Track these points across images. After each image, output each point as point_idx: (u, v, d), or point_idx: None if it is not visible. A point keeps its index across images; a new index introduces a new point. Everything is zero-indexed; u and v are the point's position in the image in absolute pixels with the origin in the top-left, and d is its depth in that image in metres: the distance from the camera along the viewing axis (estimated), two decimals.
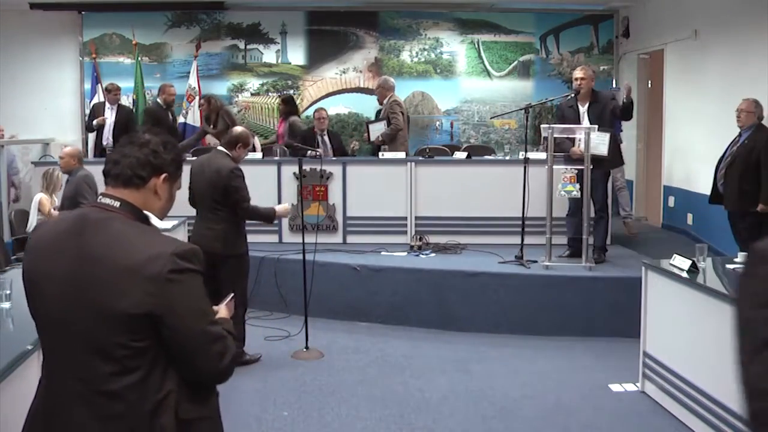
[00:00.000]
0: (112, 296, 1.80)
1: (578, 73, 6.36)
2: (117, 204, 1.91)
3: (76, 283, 1.83)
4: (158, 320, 1.81)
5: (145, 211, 1.96)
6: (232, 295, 2.30)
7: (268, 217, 5.25)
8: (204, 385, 1.96)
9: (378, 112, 8.40)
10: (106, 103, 8.46)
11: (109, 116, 8.35)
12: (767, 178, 5.81)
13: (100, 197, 1.95)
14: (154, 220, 1.98)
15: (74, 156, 6.23)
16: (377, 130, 7.96)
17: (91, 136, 9.01)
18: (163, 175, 1.97)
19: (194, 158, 5.96)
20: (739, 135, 6.08)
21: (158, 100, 8.49)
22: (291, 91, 10.05)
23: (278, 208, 5.32)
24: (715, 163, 6.27)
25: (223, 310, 2.14)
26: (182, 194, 2.15)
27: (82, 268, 1.83)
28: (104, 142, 8.28)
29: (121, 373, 1.81)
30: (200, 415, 1.93)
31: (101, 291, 1.81)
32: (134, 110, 9.21)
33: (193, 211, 5.21)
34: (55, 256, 1.87)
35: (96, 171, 6.56)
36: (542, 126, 6.42)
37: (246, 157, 5.34)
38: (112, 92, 8.43)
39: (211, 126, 8.03)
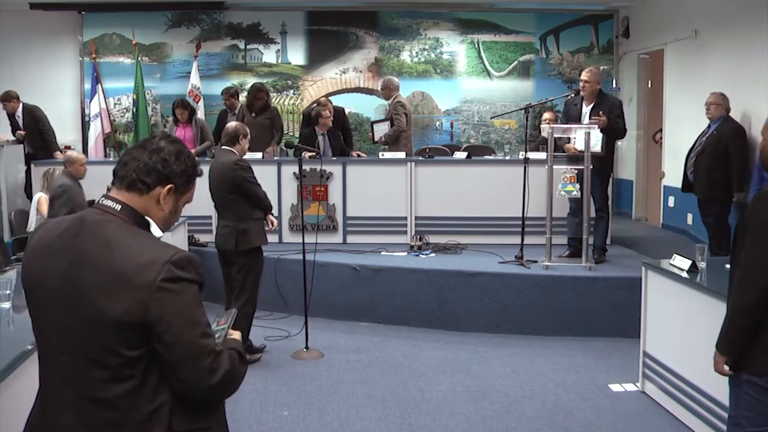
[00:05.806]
0: (103, 302, 1.73)
1: (583, 75, 6.42)
2: (118, 207, 1.84)
3: (69, 286, 1.77)
4: (150, 329, 1.74)
5: (147, 217, 1.88)
6: (234, 311, 2.15)
7: (267, 208, 5.30)
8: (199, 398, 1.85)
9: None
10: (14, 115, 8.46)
11: (19, 124, 8.41)
12: (737, 168, 6.17)
13: (102, 198, 1.88)
14: (156, 230, 1.90)
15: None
16: (381, 130, 7.97)
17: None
18: (169, 186, 1.88)
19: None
20: (708, 126, 6.45)
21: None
22: (291, 91, 10.06)
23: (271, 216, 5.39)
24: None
25: (236, 334, 2.04)
26: None
27: (75, 270, 1.77)
28: (26, 150, 8.46)
29: (113, 380, 1.75)
30: (194, 427, 1.85)
31: (93, 296, 1.75)
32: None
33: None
34: (50, 258, 1.82)
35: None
36: (542, 126, 6.43)
37: (247, 158, 5.36)
38: (6, 102, 8.37)
39: (253, 114, 8.01)
